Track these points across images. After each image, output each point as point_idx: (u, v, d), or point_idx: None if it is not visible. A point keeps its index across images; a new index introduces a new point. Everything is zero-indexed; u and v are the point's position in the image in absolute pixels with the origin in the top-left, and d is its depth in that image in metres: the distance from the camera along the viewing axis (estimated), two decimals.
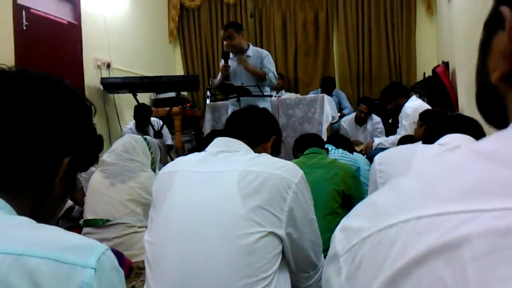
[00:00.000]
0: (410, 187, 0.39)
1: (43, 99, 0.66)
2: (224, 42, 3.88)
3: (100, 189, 2.54)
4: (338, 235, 0.42)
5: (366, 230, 0.38)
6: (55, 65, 3.92)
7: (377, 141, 4.06)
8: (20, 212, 0.63)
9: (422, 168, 0.41)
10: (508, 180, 0.33)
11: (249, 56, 3.86)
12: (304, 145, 2.46)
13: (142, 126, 4.40)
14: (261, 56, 3.88)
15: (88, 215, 2.48)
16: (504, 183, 0.33)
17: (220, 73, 3.93)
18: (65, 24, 4.33)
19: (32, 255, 0.52)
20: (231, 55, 3.87)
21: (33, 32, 3.84)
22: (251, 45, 3.97)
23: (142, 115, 4.37)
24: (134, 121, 4.50)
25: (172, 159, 3.86)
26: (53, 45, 4.10)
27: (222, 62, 3.88)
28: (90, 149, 0.75)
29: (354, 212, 0.43)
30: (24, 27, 3.76)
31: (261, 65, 3.84)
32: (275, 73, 3.91)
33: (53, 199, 0.70)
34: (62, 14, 4.31)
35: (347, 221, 0.43)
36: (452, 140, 1.50)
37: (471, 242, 0.31)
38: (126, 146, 2.61)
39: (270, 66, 3.86)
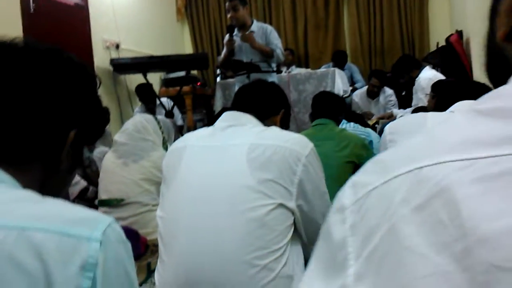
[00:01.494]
0: (415, 143, 0.42)
1: (47, 70, 0.65)
2: (228, 15, 3.79)
3: (113, 169, 2.57)
4: (347, 190, 0.44)
5: (372, 183, 0.41)
6: (64, 48, 3.89)
7: (397, 112, 4.00)
8: (27, 186, 0.62)
9: (428, 128, 0.43)
10: (503, 132, 0.36)
11: (253, 31, 3.77)
12: (315, 113, 2.41)
13: (149, 105, 4.39)
14: (265, 32, 3.78)
15: (103, 195, 2.52)
16: (500, 134, 0.36)
17: (224, 48, 3.87)
18: (72, 6, 4.32)
19: (36, 229, 0.52)
20: (235, 30, 3.81)
21: (41, 15, 3.84)
22: (255, 21, 3.89)
23: (145, 94, 4.37)
24: (140, 104, 4.50)
25: None
26: (61, 28, 4.10)
27: (227, 36, 3.81)
28: (96, 122, 0.74)
29: (363, 169, 0.45)
30: (32, 10, 3.76)
31: (267, 41, 3.76)
32: (282, 48, 3.84)
33: (61, 173, 0.70)
34: None
35: (356, 177, 0.45)
36: (464, 106, 1.47)
37: (465, 185, 0.34)
38: (137, 125, 2.63)
39: (276, 42, 3.77)
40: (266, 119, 1.43)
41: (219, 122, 1.39)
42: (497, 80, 0.47)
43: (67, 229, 0.53)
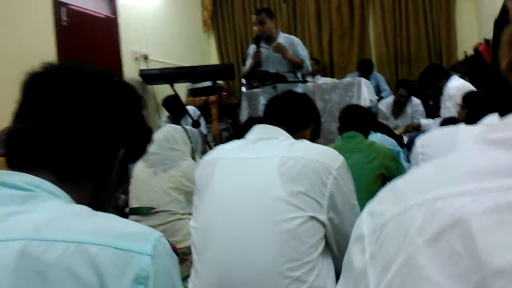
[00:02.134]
0: (426, 172, 0.43)
1: (100, 93, 0.69)
2: (255, 28, 3.81)
3: (143, 178, 2.62)
4: (364, 218, 0.45)
5: (388, 213, 0.42)
6: (95, 59, 4.03)
7: (424, 122, 3.95)
8: (79, 201, 0.66)
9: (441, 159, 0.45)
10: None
11: (280, 43, 3.81)
12: (343, 127, 2.41)
13: (177, 119, 4.45)
14: (292, 43, 3.80)
15: (133, 203, 2.57)
16: (510, 165, 0.37)
17: (248, 60, 3.89)
18: (103, 19, 4.44)
19: (92, 242, 0.55)
20: (262, 42, 3.83)
21: (73, 28, 3.96)
22: (280, 32, 3.91)
23: (173, 106, 4.42)
24: (167, 114, 4.57)
25: (210, 148, 3.92)
26: (92, 40, 4.22)
27: (253, 47, 3.83)
28: (142, 140, 0.78)
29: (379, 197, 0.46)
30: (64, 24, 3.89)
31: (294, 53, 3.78)
32: (309, 60, 3.85)
33: (110, 188, 0.74)
34: (100, 8, 4.42)
35: (372, 205, 0.46)
36: (496, 120, 1.45)
37: (479, 217, 0.34)
38: (166, 135, 2.68)
39: (304, 52, 3.79)
40: (296, 132, 1.45)
41: (250, 135, 1.42)
42: (502, 107, 0.49)
43: (121, 243, 0.56)
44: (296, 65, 3.73)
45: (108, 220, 0.61)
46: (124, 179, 0.78)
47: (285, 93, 1.63)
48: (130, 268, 0.55)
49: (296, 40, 3.87)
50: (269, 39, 3.79)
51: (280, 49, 3.71)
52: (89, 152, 0.68)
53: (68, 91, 0.67)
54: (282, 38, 3.84)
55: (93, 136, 0.68)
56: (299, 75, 3.81)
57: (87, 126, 0.67)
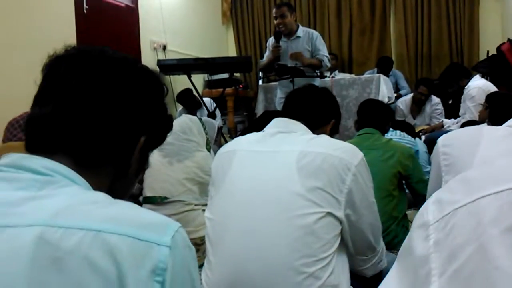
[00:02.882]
0: (504, 164, 0.42)
1: (123, 79, 0.68)
2: (275, 21, 3.78)
3: (158, 167, 2.62)
4: (430, 206, 0.44)
5: (459, 201, 0.40)
6: (114, 48, 4.03)
7: (447, 122, 3.89)
8: (98, 187, 0.65)
9: (504, 138, 0.45)
10: None
11: (299, 37, 3.77)
12: (361, 122, 2.38)
13: (191, 111, 4.47)
14: (311, 37, 3.77)
15: (147, 192, 2.58)
16: None
17: (267, 54, 3.87)
18: (123, 7, 4.46)
19: (110, 231, 0.54)
20: (282, 36, 3.80)
21: (93, 16, 3.99)
22: (300, 26, 3.88)
23: (187, 101, 4.44)
24: (181, 106, 4.59)
25: (225, 140, 3.92)
26: (112, 28, 4.24)
27: (272, 41, 3.81)
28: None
29: (447, 187, 0.45)
30: (85, 11, 3.91)
31: (313, 47, 3.75)
32: (328, 55, 3.82)
33: (129, 176, 0.73)
34: None
35: (440, 194, 0.45)
36: None
37: None
38: (182, 126, 2.68)
39: (322, 48, 3.76)
40: (316, 128, 1.42)
41: (268, 128, 1.40)
42: None
43: (139, 233, 0.55)
44: (315, 67, 3.72)
45: (127, 209, 0.59)
46: (143, 167, 0.76)
47: (306, 87, 1.59)
48: (148, 259, 0.54)
49: (315, 34, 3.84)
50: (289, 33, 3.77)
51: (297, 56, 3.70)
52: (110, 139, 0.67)
53: (91, 75, 0.66)
54: (301, 31, 3.81)
55: (115, 122, 0.67)
56: (306, 69, 3.77)
57: (109, 112, 0.66)
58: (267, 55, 3.94)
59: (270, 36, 3.92)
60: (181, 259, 0.57)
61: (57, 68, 0.66)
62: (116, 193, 0.67)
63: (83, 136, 0.65)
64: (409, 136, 2.86)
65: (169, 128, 0.79)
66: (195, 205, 2.59)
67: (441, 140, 1.68)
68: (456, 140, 1.63)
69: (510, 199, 0.36)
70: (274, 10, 3.84)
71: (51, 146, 0.64)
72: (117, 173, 0.70)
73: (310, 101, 1.47)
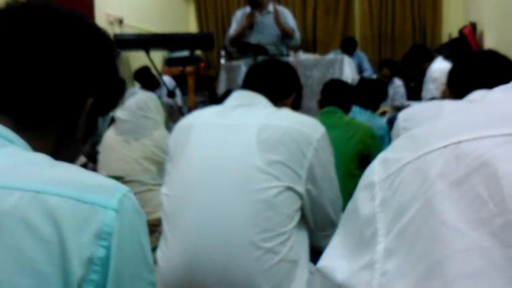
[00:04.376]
0: (449, 119, 0.42)
1: (69, 34, 0.64)
2: None
3: (113, 146, 2.54)
4: (376, 166, 0.43)
5: (404, 158, 0.40)
6: None
7: (408, 104, 3.93)
8: (39, 151, 0.60)
9: (461, 106, 0.39)
10: None
11: (269, 12, 3.71)
12: (324, 101, 2.36)
13: (150, 90, 4.34)
14: (282, 14, 3.73)
15: (102, 171, 2.48)
16: None
17: (233, 26, 3.79)
18: None
19: (51, 193, 0.50)
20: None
21: None
22: (270, 1, 3.82)
23: (145, 79, 4.31)
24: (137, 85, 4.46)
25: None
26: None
27: (240, 13, 3.73)
28: (113, 91, 0.73)
29: (393, 146, 0.45)
30: None
31: (284, 24, 3.71)
32: (299, 33, 3.80)
33: (74, 140, 0.69)
34: None
35: (386, 154, 0.44)
36: (481, 96, 1.39)
37: (505, 161, 0.33)
38: (139, 103, 2.59)
39: (293, 24, 3.75)
40: (277, 101, 1.39)
41: (229, 101, 1.35)
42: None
43: (83, 195, 0.52)
44: (287, 34, 3.67)
45: (70, 170, 0.56)
46: (91, 132, 0.72)
47: (267, 60, 1.57)
48: (92, 222, 0.51)
49: (286, 11, 3.82)
50: (260, 5, 3.69)
51: (276, 13, 3.63)
52: (54, 98, 0.62)
53: (33, 29, 0.61)
54: (271, 7, 3.74)
55: (59, 81, 0.62)
56: (281, 48, 3.73)
57: (53, 69, 0.62)
58: (234, 28, 3.83)
59: (233, 12, 3.81)
60: (129, 223, 0.54)
61: None
62: (61, 158, 0.62)
63: (24, 94, 0.61)
64: (380, 119, 2.86)
65: (121, 91, 0.75)
66: (153, 185, 2.53)
67: (401, 115, 1.69)
68: (417, 115, 1.63)
69: (456, 153, 0.36)
70: None
71: None
72: (62, 136, 0.66)
73: (271, 74, 1.44)
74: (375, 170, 0.43)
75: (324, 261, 0.46)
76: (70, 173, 0.56)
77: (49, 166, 0.56)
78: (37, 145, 0.61)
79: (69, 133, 0.67)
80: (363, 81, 2.50)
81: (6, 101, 0.60)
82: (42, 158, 0.57)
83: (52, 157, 0.59)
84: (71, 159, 0.70)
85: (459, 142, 0.36)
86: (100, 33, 0.69)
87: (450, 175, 0.35)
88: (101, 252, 0.50)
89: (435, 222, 0.35)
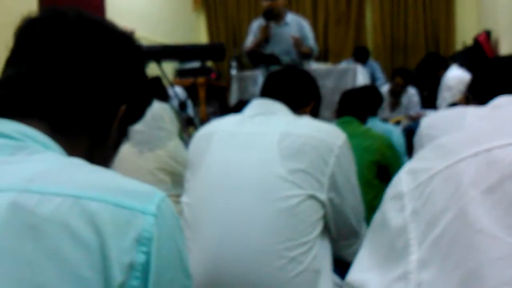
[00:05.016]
0: (478, 126, 0.45)
1: (103, 43, 0.65)
2: (265, 2, 3.61)
3: (128, 157, 2.55)
4: (404, 177, 0.43)
5: (434, 168, 0.39)
6: None
7: (429, 113, 3.90)
8: (73, 156, 0.61)
9: (486, 112, 0.43)
10: None
11: (287, 23, 3.67)
12: (340, 111, 2.36)
13: (160, 100, 4.35)
14: (301, 26, 3.68)
15: None
16: None
17: (249, 37, 3.76)
18: None
19: (91, 198, 0.50)
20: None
21: None
22: (287, 11, 3.78)
23: (154, 90, 4.32)
24: None
25: (188, 134, 3.81)
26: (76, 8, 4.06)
27: (256, 23, 3.68)
28: (143, 100, 0.74)
29: (420, 155, 0.44)
30: None
31: (302, 35, 3.65)
32: (316, 45, 3.77)
33: (107, 147, 0.70)
34: None
35: (413, 164, 0.44)
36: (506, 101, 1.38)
37: None
38: (153, 114, 2.59)
39: (312, 37, 3.70)
40: (296, 109, 1.38)
41: (248, 110, 1.35)
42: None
43: (122, 200, 0.52)
44: (305, 55, 3.65)
45: (108, 176, 0.56)
46: (121, 140, 0.74)
47: (286, 69, 1.61)
48: (132, 228, 0.51)
49: (304, 23, 3.76)
50: (277, 17, 3.65)
51: (297, 41, 3.58)
52: (88, 104, 0.64)
53: (69, 37, 0.63)
54: (290, 18, 3.72)
55: (95, 87, 0.64)
56: (295, 58, 3.71)
57: (88, 76, 0.63)
58: (251, 39, 3.82)
59: (244, 24, 3.81)
60: (167, 229, 0.54)
61: (32, 30, 0.63)
62: (93, 164, 0.63)
63: (59, 99, 0.61)
64: (382, 124, 2.85)
65: (149, 100, 0.76)
66: (167, 196, 2.51)
67: (424, 122, 1.65)
68: (440, 122, 1.60)
69: (487, 160, 0.36)
70: None
71: (25, 110, 0.61)
72: (95, 142, 0.67)
73: (290, 82, 1.44)
74: (403, 180, 0.43)
75: (353, 275, 0.45)
76: (109, 178, 0.56)
77: (87, 171, 0.56)
78: (70, 151, 0.61)
79: (101, 140, 0.68)
80: (346, 92, 2.51)
81: (41, 106, 0.61)
82: (80, 163, 0.58)
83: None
84: (103, 166, 0.69)
85: (491, 149, 0.36)
86: (131, 41, 0.70)
87: (483, 182, 0.35)
88: (141, 258, 0.50)
89: (470, 230, 0.34)
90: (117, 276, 0.48)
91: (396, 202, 0.42)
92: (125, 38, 0.70)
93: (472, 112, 1.50)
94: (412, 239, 0.39)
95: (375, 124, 2.80)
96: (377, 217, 0.45)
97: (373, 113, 2.88)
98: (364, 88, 2.54)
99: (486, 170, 0.36)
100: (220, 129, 1.32)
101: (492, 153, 0.36)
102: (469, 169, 0.37)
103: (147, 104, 0.76)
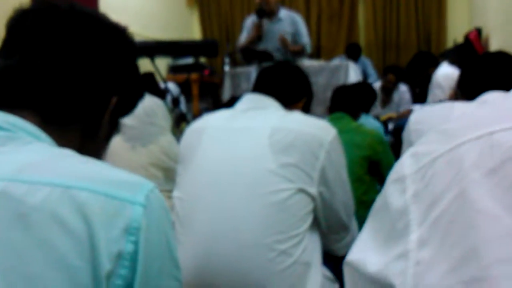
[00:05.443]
0: (481, 113, 0.43)
1: (94, 35, 0.66)
2: (257, 0, 3.64)
3: (120, 152, 2.55)
4: (406, 160, 0.44)
5: (436, 151, 0.40)
6: None
7: (416, 108, 3.93)
8: (64, 147, 0.61)
9: (491, 99, 0.45)
10: None
11: (280, 19, 3.68)
12: (332, 107, 2.38)
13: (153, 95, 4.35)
14: (294, 21, 3.70)
15: None
16: None
17: (243, 34, 3.77)
18: None
19: (81, 188, 0.51)
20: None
21: None
22: (280, 7, 3.79)
23: (147, 85, 4.31)
24: None
25: (180, 129, 3.81)
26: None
27: (250, 20, 3.69)
28: (134, 91, 0.75)
29: (423, 140, 0.45)
30: None
31: (295, 30, 3.67)
32: (310, 41, 3.77)
33: (98, 139, 0.70)
34: None
35: (416, 148, 0.44)
36: (492, 97, 1.40)
37: None
38: (146, 109, 2.59)
39: (305, 33, 3.71)
40: (288, 105, 1.40)
41: (240, 105, 1.36)
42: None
43: (112, 190, 0.52)
44: (297, 54, 3.66)
45: (98, 166, 0.57)
46: (113, 132, 0.74)
47: (278, 64, 1.59)
48: (120, 218, 0.51)
49: (298, 18, 3.77)
50: (271, 13, 3.66)
51: (283, 41, 3.60)
52: (80, 95, 0.64)
53: (61, 28, 0.63)
54: (284, 13, 3.73)
55: (85, 78, 0.64)
56: (287, 54, 3.72)
57: (79, 67, 0.63)
58: (245, 36, 3.83)
59: (238, 21, 3.81)
60: (156, 220, 0.55)
61: (23, 21, 0.63)
62: (84, 155, 0.63)
63: (51, 90, 0.62)
64: (374, 120, 2.88)
65: (141, 92, 0.77)
66: (159, 191, 2.51)
67: (412, 118, 1.68)
68: (428, 118, 1.63)
69: (489, 143, 0.37)
70: None
71: (17, 101, 0.61)
72: (86, 134, 0.67)
73: (282, 78, 1.45)
74: (405, 164, 0.43)
75: (353, 254, 0.46)
76: (98, 168, 0.56)
77: (77, 161, 0.57)
78: (61, 143, 0.62)
79: (92, 132, 0.68)
80: (337, 89, 2.53)
81: (33, 97, 0.61)
82: (70, 154, 0.58)
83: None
84: (95, 158, 0.70)
85: (493, 132, 0.37)
86: (123, 34, 0.71)
87: (485, 164, 0.36)
88: (130, 247, 0.51)
89: (470, 210, 0.35)
90: (106, 265, 0.49)
91: (398, 185, 0.42)
92: (117, 30, 0.70)
93: (459, 106, 1.53)
94: (413, 220, 0.39)
95: (368, 121, 2.83)
96: (379, 200, 0.46)
97: (367, 110, 2.91)
98: (357, 85, 2.57)
99: (487, 152, 0.36)
100: (211, 124, 1.33)
101: (493, 136, 0.37)
102: (471, 152, 0.37)
103: (138, 96, 0.76)
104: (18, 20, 0.64)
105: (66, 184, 0.50)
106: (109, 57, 0.67)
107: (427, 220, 0.38)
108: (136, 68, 0.74)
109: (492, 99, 1.29)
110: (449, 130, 0.42)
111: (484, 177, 0.35)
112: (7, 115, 0.58)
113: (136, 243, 0.51)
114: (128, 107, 0.75)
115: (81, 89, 0.64)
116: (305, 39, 3.69)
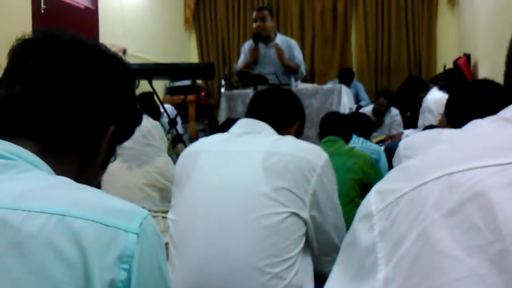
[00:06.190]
0: (441, 150, 0.43)
1: (95, 66, 0.67)
2: (254, 24, 3.74)
3: (117, 173, 2.55)
4: (372, 197, 0.44)
5: (401, 190, 0.41)
6: None
7: (408, 133, 3.99)
8: (62, 175, 0.62)
9: (453, 136, 0.45)
10: None
11: (278, 44, 3.76)
12: (323, 132, 2.42)
13: (151, 115, 4.38)
14: (289, 45, 3.78)
15: None
16: None
17: (242, 59, 3.85)
18: (82, 9, 4.33)
19: (76, 216, 0.52)
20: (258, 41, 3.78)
21: (51, 16, 3.85)
22: (277, 33, 3.88)
23: (147, 104, 4.34)
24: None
25: (175, 151, 3.84)
26: (70, 30, 4.10)
27: (248, 44, 3.78)
28: (132, 121, 0.76)
29: (388, 177, 0.46)
30: (42, 11, 3.77)
31: (290, 55, 3.76)
32: (304, 65, 3.86)
33: (95, 167, 0.71)
34: None
35: (381, 185, 0.45)
36: (473, 125, 1.43)
37: (498, 190, 0.34)
38: (143, 130, 2.62)
39: (300, 57, 3.79)
40: (281, 129, 1.42)
41: (234, 129, 1.39)
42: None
43: (106, 218, 0.53)
44: (291, 69, 3.73)
45: (93, 194, 0.58)
46: (109, 159, 0.75)
47: (270, 89, 1.62)
48: (114, 246, 0.52)
49: (293, 42, 3.86)
50: (267, 38, 3.76)
51: (278, 50, 3.69)
52: (78, 124, 0.65)
53: (61, 58, 0.64)
54: (279, 39, 3.81)
55: (85, 109, 0.65)
56: (282, 78, 3.79)
57: (79, 97, 0.64)
58: (242, 60, 3.91)
59: (234, 44, 3.89)
60: (150, 247, 0.55)
61: (25, 51, 0.64)
62: (81, 183, 0.64)
63: (51, 120, 0.63)
64: (373, 144, 2.92)
65: (139, 121, 0.78)
66: (155, 212, 2.53)
67: (402, 144, 1.73)
68: (417, 143, 1.68)
69: (449, 183, 0.37)
70: (254, 13, 3.82)
71: (16, 130, 0.62)
72: (84, 162, 0.68)
73: (275, 102, 1.47)
74: (372, 201, 0.44)
75: None
76: (93, 196, 0.57)
77: (73, 189, 0.57)
78: (59, 170, 0.62)
79: (90, 159, 0.69)
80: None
81: (32, 126, 0.62)
82: (66, 182, 0.59)
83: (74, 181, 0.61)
84: (90, 185, 0.71)
85: (452, 173, 0.38)
86: (122, 65, 0.72)
87: (444, 205, 0.36)
88: (123, 275, 0.51)
89: (431, 251, 0.35)
90: None
91: (366, 222, 0.43)
92: (117, 62, 0.71)
93: (448, 133, 1.58)
94: (380, 259, 0.40)
95: (369, 145, 2.88)
96: (348, 236, 0.46)
97: (367, 136, 2.97)
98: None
99: (447, 193, 0.37)
100: (206, 147, 1.34)
101: (453, 177, 0.37)
102: (432, 192, 0.38)
103: (136, 124, 0.77)
104: (20, 50, 0.65)
105: (62, 212, 0.51)
106: (109, 88, 0.68)
107: (393, 259, 0.38)
108: (133, 97, 0.75)
109: (470, 128, 1.33)
110: (411, 169, 0.43)
111: (444, 217, 0.36)
112: (7, 144, 0.59)
113: (129, 270, 0.52)
114: (126, 135, 0.76)
115: (81, 119, 0.65)
116: (299, 62, 3.78)
